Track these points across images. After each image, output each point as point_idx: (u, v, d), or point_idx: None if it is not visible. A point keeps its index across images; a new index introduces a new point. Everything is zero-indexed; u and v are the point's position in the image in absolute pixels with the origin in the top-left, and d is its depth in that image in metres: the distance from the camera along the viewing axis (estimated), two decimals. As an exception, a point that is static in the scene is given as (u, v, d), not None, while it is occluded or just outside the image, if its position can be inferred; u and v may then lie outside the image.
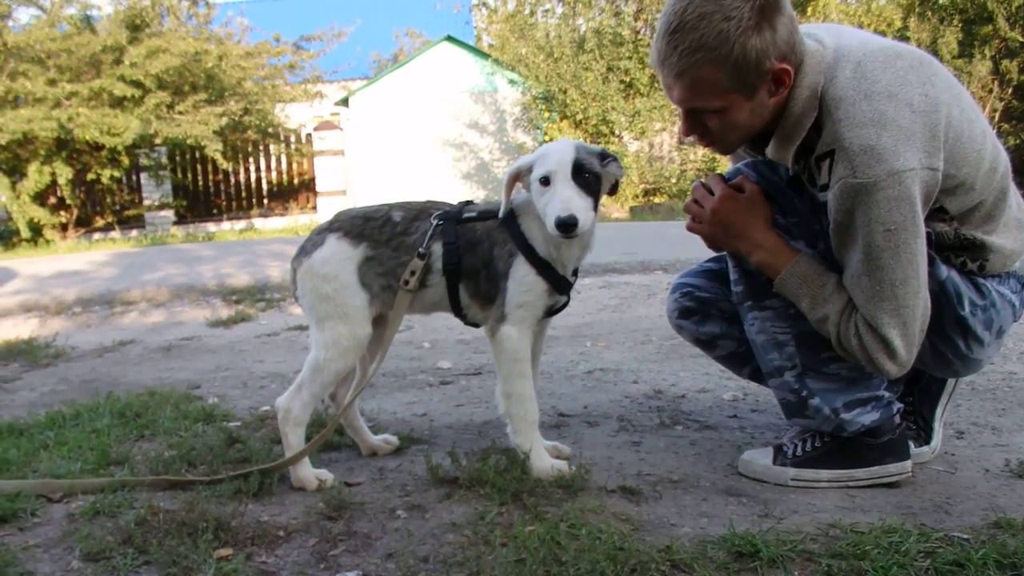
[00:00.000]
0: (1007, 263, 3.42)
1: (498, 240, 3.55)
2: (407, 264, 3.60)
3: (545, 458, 3.55)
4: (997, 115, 22.92)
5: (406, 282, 3.59)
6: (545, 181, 3.31)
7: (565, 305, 3.71)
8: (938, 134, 3.03)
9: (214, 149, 24.88)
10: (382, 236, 3.66)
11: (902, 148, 2.96)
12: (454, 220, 3.61)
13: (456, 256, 3.57)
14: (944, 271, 3.33)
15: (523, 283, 3.49)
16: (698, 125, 3.30)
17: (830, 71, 3.13)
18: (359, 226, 3.69)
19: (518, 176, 3.53)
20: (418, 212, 3.71)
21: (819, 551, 2.80)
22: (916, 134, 2.98)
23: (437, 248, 3.59)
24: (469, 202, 3.79)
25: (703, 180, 3.53)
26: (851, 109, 3.02)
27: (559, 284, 3.55)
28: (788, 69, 3.09)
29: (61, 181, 24.03)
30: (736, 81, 3.07)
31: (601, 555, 2.71)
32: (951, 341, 3.45)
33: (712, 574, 2.66)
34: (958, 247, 3.34)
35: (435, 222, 3.60)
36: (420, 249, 3.57)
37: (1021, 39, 22.71)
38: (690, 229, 3.52)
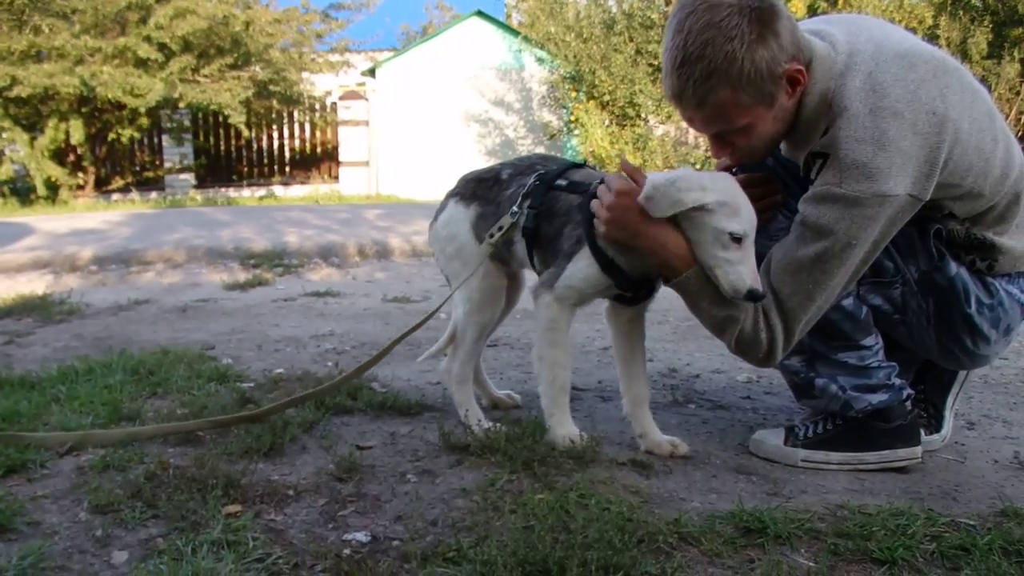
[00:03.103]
0: (1017, 264, 3.43)
1: (574, 220, 3.49)
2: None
3: (565, 426, 3.54)
4: (1023, 118, 22.80)
5: (491, 235, 3.65)
6: (738, 239, 3.14)
7: (649, 298, 3.64)
8: (936, 159, 3.04)
9: (238, 119, 24.91)
10: (491, 195, 3.76)
11: (895, 172, 2.99)
12: (547, 185, 3.58)
13: (534, 221, 3.56)
14: (953, 268, 3.35)
15: (583, 271, 3.43)
16: (727, 145, 3.30)
17: (840, 77, 3.13)
18: (472, 188, 3.85)
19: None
20: (524, 169, 3.74)
21: (826, 530, 2.81)
22: (913, 158, 3.01)
23: (525, 208, 3.59)
24: (580, 165, 3.76)
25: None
26: (853, 122, 3.04)
27: (625, 284, 3.48)
28: (800, 68, 3.10)
29: (74, 140, 24.00)
30: (755, 95, 3.08)
31: (609, 525, 2.71)
32: (957, 337, 3.46)
33: (719, 548, 2.66)
34: (968, 246, 3.36)
35: (531, 181, 3.61)
36: (513, 208, 3.59)
37: (1050, 44, 22.58)
38: (593, 211, 3.37)
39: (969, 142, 3.13)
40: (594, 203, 3.34)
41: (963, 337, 3.47)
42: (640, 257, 3.35)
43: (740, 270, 3.10)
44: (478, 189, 3.82)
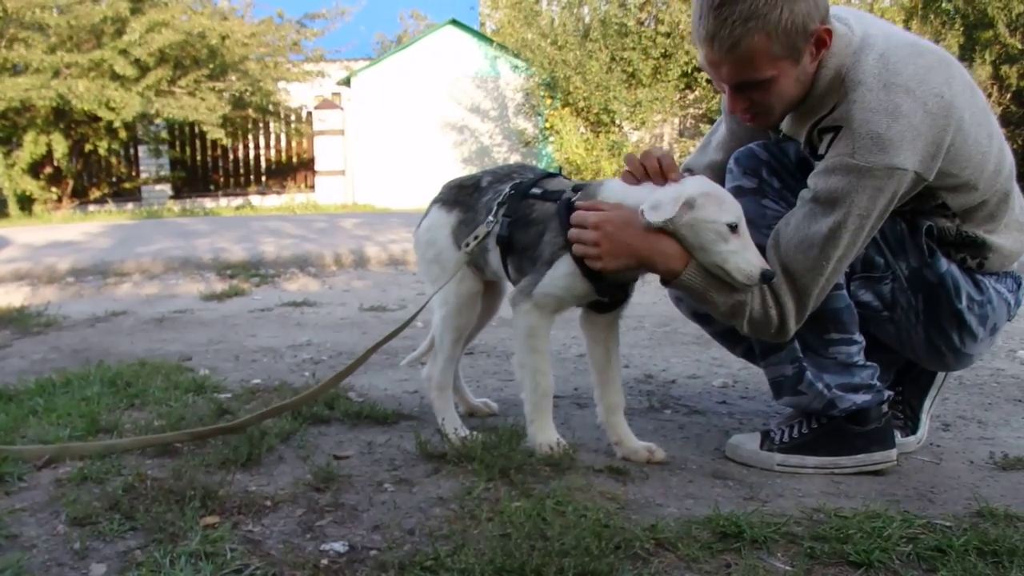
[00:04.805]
0: (1006, 263, 3.49)
1: (552, 227, 3.49)
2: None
3: (546, 432, 3.55)
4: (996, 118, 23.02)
5: (467, 244, 3.66)
6: (734, 227, 3.18)
7: (624, 302, 3.65)
8: (942, 141, 3.10)
9: (215, 135, 24.93)
10: (470, 201, 3.79)
11: (906, 146, 3.03)
12: (521, 194, 3.60)
13: (508, 230, 3.58)
14: (944, 264, 3.40)
15: (563, 279, 3.42)
16: (745, 100, 3.33)
17: (855, 55, 3.19)
18: (454, 194, 3.90)
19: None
20: (503, 177, 3.78)
21: (802, 534, 2.82)
22: (922, 136, 3.05)
23: (500, 217, 3.61)
24: (554, 174, 3.77)
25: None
26: (868, 94, 3.09)
27: (604, 290, 3.48)
28: (829, 29, 3.15)
29: (58, 153, 23.93)
30: (785, 47, 3.12)
31: (586, 532, 2.72)
32: (946, 334, 3.50)
33: (696, 553, 2.67)
34: (959, 243, 3.41)
35: (506, 191, 3.63)
36: (490, 217, 3.61)
37: (1020, 45, 22.75)
38: (581, 255, 3.36)
39: (969, 133, 3.19)
40: (574, 234, 3.35)
41: (951, 334, 3.52)
42: (639, 269, 3.39)
43: (747, 256, 3.15)
44: (459, 196, 3.86)
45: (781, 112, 3.38)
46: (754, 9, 3.04)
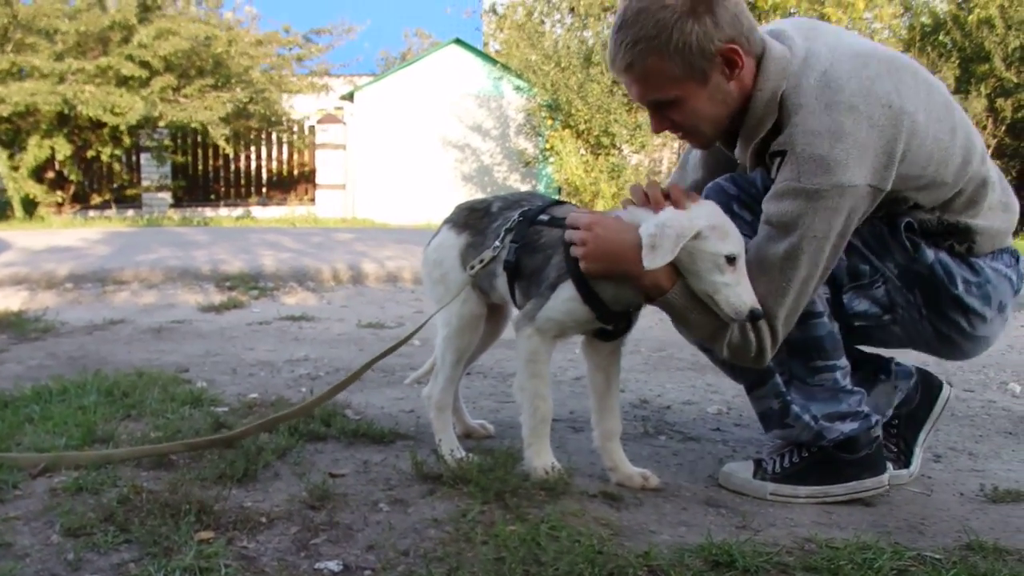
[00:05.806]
0: (995, 243, 3.50)
1: (558, 253, 3.50)
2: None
3: (543, 457, 3.56)
4: (990, 151, 23.08)
5: (471, 267, 3.68)
6: (732, 260, 3.18)
7: (627, 331, 3.67)
8: (894, 151, 3.11)
9: (220, 134, 24.90)
10: (480, 225, 3.80)
11: (853, 163, 3.06)
12: (529, 221, 3.61)
13: (515, 255, 3.59)
14: (931, 255, 3.41)
15: (565, 304, 3.44)
16: (665, 120, 3.40)
17: (794, 77, 3.22)
18: (464, 216, 3.90)
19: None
20: (512, 203, 3.80)
21: (794, 564, 2.83)
22: (870, 149, 3.07)
23: (507, 243, 3.63)
24: (562, 202, 3.81)
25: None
26: (809, 117, 3.12)
27: (606, 316, 3.49)
28: (736, 48, 3.19)
29: (60, 157, 23.96)
30: (684, 68, 3.19)
31: (580, 557, 2.73)
32: (952, 321, 3.51)
33: (687, 581, 2.68)
34: (943, 232, 3.43)
35: (515, 217, 3.64)
36: (496, 243, 3.63)
37: (1015, 79, 22.93)
38: (574, 254, 3.39)
39: (927, 133, 3.20)
40: (570, 235, 3.38)
41: (958, 319, 3.51)
42: (625, 283, 3.37)
43: (739, 292, 3.15)
44: (470, 218, 3.87)
45: (710, 131, 3.44)
46: (643, 33, 3.16)
